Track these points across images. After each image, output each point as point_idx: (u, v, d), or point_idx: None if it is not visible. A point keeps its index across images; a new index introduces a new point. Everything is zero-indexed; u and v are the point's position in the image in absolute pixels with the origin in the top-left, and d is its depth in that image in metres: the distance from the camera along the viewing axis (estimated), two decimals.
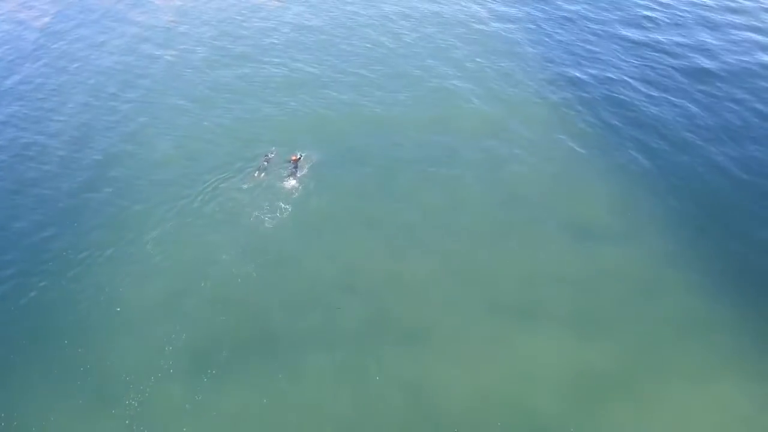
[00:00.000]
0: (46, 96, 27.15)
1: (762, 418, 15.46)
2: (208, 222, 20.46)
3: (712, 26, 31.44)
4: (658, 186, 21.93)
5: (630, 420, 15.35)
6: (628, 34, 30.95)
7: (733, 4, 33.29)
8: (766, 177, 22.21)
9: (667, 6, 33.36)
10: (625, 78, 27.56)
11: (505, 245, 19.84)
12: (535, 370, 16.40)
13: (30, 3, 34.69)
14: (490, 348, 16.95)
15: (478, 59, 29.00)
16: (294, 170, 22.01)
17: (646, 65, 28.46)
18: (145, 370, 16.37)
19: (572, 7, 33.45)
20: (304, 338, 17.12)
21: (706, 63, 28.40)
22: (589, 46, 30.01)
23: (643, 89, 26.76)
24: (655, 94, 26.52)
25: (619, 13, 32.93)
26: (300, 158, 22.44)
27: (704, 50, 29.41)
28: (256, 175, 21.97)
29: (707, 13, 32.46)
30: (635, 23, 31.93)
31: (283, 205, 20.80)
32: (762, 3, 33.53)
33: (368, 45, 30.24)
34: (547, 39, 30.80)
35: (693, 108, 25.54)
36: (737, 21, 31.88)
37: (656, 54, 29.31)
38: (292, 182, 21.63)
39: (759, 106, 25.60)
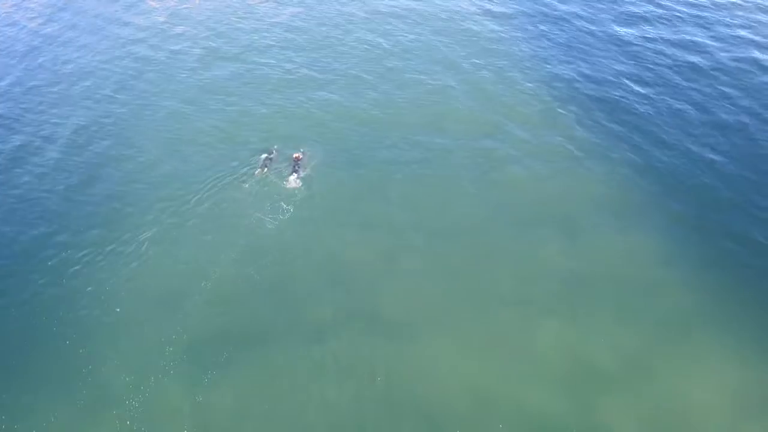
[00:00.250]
0: (42, 97, 27.08)
1: (759, 409, 15.77)
2: (208, 222, 20.47)
3: (706, 24, 31.71)
4: (654, 183, 22.12)
5: (627, 413, 15.53)
6: (623, 32, 31.14)
7: (725, 2, 33.61)
8: (757, 172, 22.51)
9: (660, 5, 33.65)
10: (621, 77, 27.70)
11: (500, 242, 19.99)
12: (531, 364, 16.59)
13: (24, 4, 34.55)
14: (486, 342, 17.11)
15: (473, 59, 29.08)
16: (296, 168, 22.01)
17: (640, 64, 28.62)
18: (146, 371, 16.38)
19: (567, 7, 33.65)
20: (305, 340, 17.15)
21: (699, 60, 28.59)
22: (583, 45, 30.18)
23: (637, 88, 26.91)
24: (649, 92, 26.70)
25: (613, 11, 33.17)
26: (302, 156, 22.43)
27: (697, 48, 29.66)
28: (258, 172, 21.98)
29: (701, 12, 32.76)
30: (630, 22, 32.12)
31: (284, 206, 20.78)
32: (757, 1, 33.89)
33: (364, 46, 30.28)
34: (542, 38, 30.92)
35: (687, 106, 25.76)
36: (731, 19, 32.18)
37: (651, 52, 29.53)
38: (293, 181, 21.63)
39: (754, 103, 25.91)
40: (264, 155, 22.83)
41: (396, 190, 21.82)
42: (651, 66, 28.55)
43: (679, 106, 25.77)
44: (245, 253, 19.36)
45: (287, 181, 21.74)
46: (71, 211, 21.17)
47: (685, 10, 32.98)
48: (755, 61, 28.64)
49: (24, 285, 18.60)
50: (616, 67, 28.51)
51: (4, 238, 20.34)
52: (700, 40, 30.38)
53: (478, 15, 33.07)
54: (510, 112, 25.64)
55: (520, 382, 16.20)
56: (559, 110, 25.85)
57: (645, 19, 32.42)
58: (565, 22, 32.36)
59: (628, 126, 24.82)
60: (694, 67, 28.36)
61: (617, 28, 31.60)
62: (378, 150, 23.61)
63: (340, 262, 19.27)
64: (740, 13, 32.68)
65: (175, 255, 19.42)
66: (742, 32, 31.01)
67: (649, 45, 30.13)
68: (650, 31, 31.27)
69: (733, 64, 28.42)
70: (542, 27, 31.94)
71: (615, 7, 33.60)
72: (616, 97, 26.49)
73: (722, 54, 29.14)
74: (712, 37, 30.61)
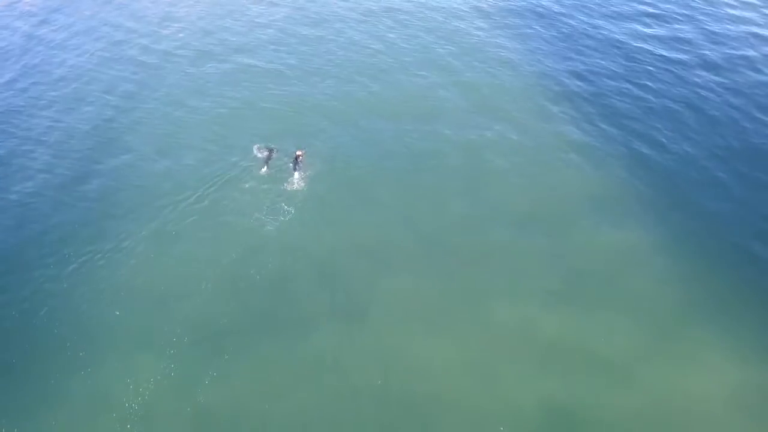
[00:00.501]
0: (40, 98, 26.81)
1: (749, 396, 15.98)
2: (208, 222, 20.33)
3: (696, 20, 32.21)
4: (648, 180, 22.35)
5: (626, 408, 15.69)
6: (616, 29, 31.43)
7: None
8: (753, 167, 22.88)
9: (653, 4, 34.04)
10: (615, 75, 28.00)
11: (495, 238, 20.19)
12: (529, 361, 16.74)
13: (17, 6, 34.22)
14: (482, 338, 17.26)
15: (467, 58, 29.17)
16: (298, 167, 21.95)
17: (633, 61, 28.86)
18: (146, 373, 16.20)
19: (558, 5, 33.96)
20: (306, 341, 17.06)
21: (697, 59, 28.95)
22: (576, 43, 30.41)
23: (630, 86, 27.17)
24: (645, 90, 26.96)
25: (611, 9, 33.52)
26: (303, 155, 22.36)
27: (690, 45, 30.06)
28: (263, 171, 21.91)
29: (692, 12, 33.26)
30: (623, 19, 32.42)
31: (285, 207, 20.68)
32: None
33: (358, 45, 30.25)
34: (535, 36, 31.07)
35: (681, 102, 26.08)
36: (734, 14, 32.74)
37: (644, 50, 29.84)
38: (295, 181, 21.54)
39: (747, 98, 26.32)
40: (266, 153, 22.74)
41: (396, 190, 21.80)
42: (644, 63, 28.82)
43: (672, 103, 26.05)
44: (245, 255, 19.23)
45: (289, 181, 21.67)
46: (70, 212, 20.92)
47: (675, 9, 33.37)
48: (746, 58, 29.03)
49: (23, 285, 18.36)
50: (609, 65, 28.72)
51: (3, 239, 20.07)
52: (692, 36, 30.75)
53: (476, 14, 33.18)
54: (504, 110, 25.74)
55: (518, 379, 16.27)
56: (552, 108, 25.99)
57: (639, 17, 32.74)
58: (558, 19, 32.60)
59: (622, 123, 25.01)
60: (689, 63, 28.70)
61: (611, 26, 31.88)
62: (378, 150, 23.59)
63: (341, 265, 19.18)
64: (730, 10, 33.18)
65: (175, 255, 19.27)
66: (732, 27, 31.53)
67: (642, 43, 30.40)
68: (645, 29, 31.56)
69: (725, 60, 28.79)
70: (535, 25, 32.08)
71: (607, 4, 33.94)
72: (610, 95, 26.70)
73: (716, 50, 29.51)
74: (706, 33, 31.01)
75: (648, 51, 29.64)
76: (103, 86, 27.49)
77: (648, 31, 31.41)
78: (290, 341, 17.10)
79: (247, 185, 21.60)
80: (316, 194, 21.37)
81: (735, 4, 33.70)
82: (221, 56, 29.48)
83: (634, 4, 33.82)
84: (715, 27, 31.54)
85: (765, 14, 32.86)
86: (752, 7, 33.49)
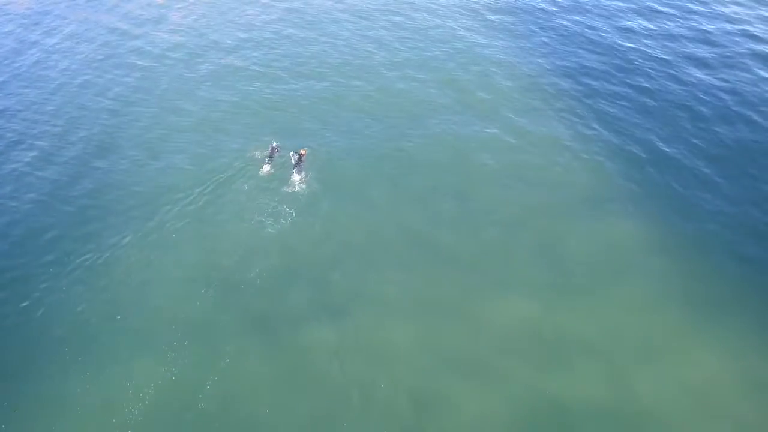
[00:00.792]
0: (40, 98, 26.54)
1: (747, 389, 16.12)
2: (208, 225, 20.14)
3: (700, 19, 32.56)
4: (642, 174, 22.59)
5: (619, 393, 15.88)
6: (610, 27, 31.69)
7: None
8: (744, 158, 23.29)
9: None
10: (613, 77, 28.20)
11: (488, 238, 20.23)
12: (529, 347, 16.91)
13: (7, 8, 33.87)
14: (486, 327, 17.42)
15: (460, 59, 29.34)
16: (299, 167, 21.80)
17: (632, 63, 29.11)
18: (147, 378, 15.92)
19: (560, 3, 34.31)
20: (308, 347, 16.85)
21: (691, 58, 29.29)
22: (573, 43, 30.68)
23: (628, 89, 27.36)
24: (641, 87, 27.30)
25: (605, 8, 33.86)
26: (305, 154, 22.23)
27: (692, 44, 30.43)
28: (266, 171, 21.78)
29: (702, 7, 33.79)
30: (617, 17, 32.71)
31: (287, 209, 20.52)
32: None
33: (355, 45, 30.40)
34: (530, 35, 31.35)
35: (677, 99, 26.38)
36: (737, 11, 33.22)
37: (642, 46, 30.18)
38: (296, 183, 21.39)
39: (741, 94, 26.66)
40: (268, 150, 22.59)
41: (395, 191, 21.81)
42: (638, 63, 29.10)
43: (666, 103, 26.33)
44: (246, 258, 19.03)
45: (290, 182, 21.53)
46: (69, 216, 20.66)
47: (673, 8, 33.80)
48: (741, 56, 29.35)
49: (24, 290, 18.02)
50: (602, 66, 28.99)
51: (3, 243, 19.73)
52: (690, 35, 31.12)
53: (471, 14, 33.33)
54: (497, 110, 25.88)
55: (508, 374, 16.31)
56: (547, 108, 26.24)
57: (633, 17, 33.01)
58: (551, 20, 32.86)
59: (617, 124, 25.26)
60: (683, 62, 29.01)
61: (605, 26, 32.14)
62: (378, 149, 23.58)
63: (343, 268, 19.00)
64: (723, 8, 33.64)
65: (175, 259, 19.05)
66: (728, 26, 31.91)
67: (637, 43, 30.73)
68: (640, 29, 31.89)
69: (722, 59, 29.10)
70: (530, 25, 32.36)
71: (602, 4, 34.31)
72: (604, 95, 26.96)
73: (711, 50, 29.82)
74: (702, 32, 31.37)
75: (642, 51, 29.93)
76: (97, 89, 27.31)
77: (643, 31, 31.75)
78: (292, 345, 16.90)
79: (246, 186, 21.45)
80: (316, 196, 21.21)
81: (731, 2, 34.15)
82: (216, 58, 29.39)
83: (630, 4, 34.14)
84: (712, 26, 31.91)
85: (762, 13, 33.25)
86: (749, 6, 33.88)
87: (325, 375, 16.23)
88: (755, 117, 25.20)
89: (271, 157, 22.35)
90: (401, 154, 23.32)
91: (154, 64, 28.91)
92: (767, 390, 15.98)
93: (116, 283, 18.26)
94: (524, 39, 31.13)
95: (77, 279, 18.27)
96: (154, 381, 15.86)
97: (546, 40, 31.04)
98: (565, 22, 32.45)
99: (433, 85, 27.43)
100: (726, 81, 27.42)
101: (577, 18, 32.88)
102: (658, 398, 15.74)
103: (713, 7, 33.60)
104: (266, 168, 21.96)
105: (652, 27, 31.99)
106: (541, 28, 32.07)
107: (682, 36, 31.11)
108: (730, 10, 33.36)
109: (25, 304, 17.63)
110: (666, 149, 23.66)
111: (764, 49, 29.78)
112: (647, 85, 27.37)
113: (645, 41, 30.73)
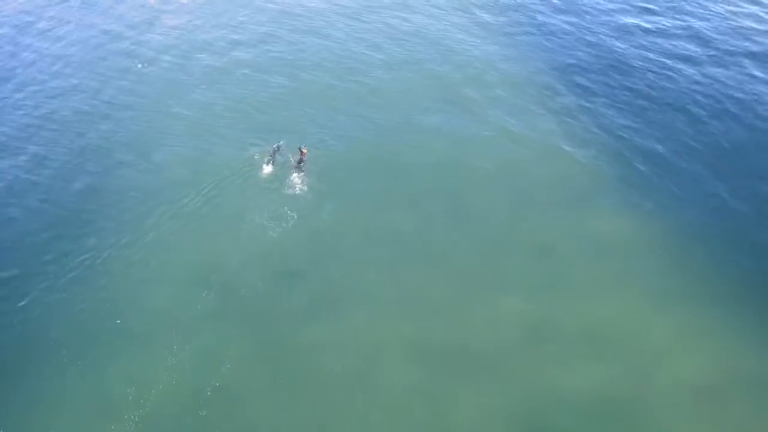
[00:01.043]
0: (40, 101, 26.26)
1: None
2: (209, 227, 19.91)
3: (697, 19, 32.75)
4: (642, 178, 22.61)
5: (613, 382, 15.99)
6: (604, 25, 31.99)
7: None
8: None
9: None
10: (607, 69, 28.52)
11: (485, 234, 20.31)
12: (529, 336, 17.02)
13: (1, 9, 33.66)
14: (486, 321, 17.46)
15: (456, 58, 29.37)
16: (300, 167, 21.66)
17: (630, 61, 29.23)
18: (147, 383, 15.67)
19: (555, 4, 34.39)
20: (310, 350, 16.71)
21: (689, 56, 29.41)
22: (569, 41, 30.82)
23: (626, 87, 27.46)
24: (638, 91, 27.30)
25: (602, 7, 34.00)
26: (306, 152, 22.08)
27: (690, 43, 30.58)
28: (267, 171, 21.63)
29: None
30: (620, 16, 32.87)
31: (289, 212, 20.31)
32: None
33: (355, 38, 30.47)
34: (529, 34, 31.48)
35: (676, 101, 26.42)
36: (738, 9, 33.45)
37: (641, 43, 30.33)
38: (297, 184, 21.24)
39: (736, 92, 26.87)
40: (268, 153, 22.43)
41: (395, 191, 21.74)
42: (637, 60, 29.20)
43: (664, 101, 26.42)
44: (248, 262, 18.81)
45: (292, 182, 21.40)
46: (67, 217, 20.33)
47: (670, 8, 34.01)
48: (739, 55, 29.53)
49: (22, 292, 17.72)
50: (599, 63, 29.07)
51: (2, 244, 19.48)
52: (687, 34, 31.28)
53: (467, 15, 33.36)
54: (493, 109, 25.85)
55: (506, 369, 16.37)
56: (543, 107, 26.14)
57: (632, 14, 33.22)
58: (549, 17, 32.94)
59: (614, 123, 25.25)
60: (686, 58, 29.16)
61: (602, 24, 32.29)
62: (385, 154, 23.46)
63: (343, 268, 18.91)
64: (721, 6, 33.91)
65: (175, 262, 18.79)
66: (724, 25, 32.11)
67: (635, 40, 30.82)
68: (637, 27, 31.99)
69: (718, 59, 29.30)
70: (525, 24, 32.42)
71: (599, 4, 34.42)
72: (600, 93, 26.99)
73: (709, 48, 30.04)
74: (700, 31, 31.55)
75: (638, 51, 29.99)
76: (91, 92, 26.93)
77: (641, 28, 31.84)
78: (294, 348, 16.74)
79: (246, 188, 21.26)
80: (318, 197, 21.07)
81: (727, 2, 34.37)
82: (210, 60, 29.12)
83: (625, 5, 34.24)
84: (709, 25, 32.10)
85: (761, 13, 33.49)
86: (745, 6, 34.09)
87: (327, 377, 16.06)
88: (751, 115, 25.32)
89: (272, 157, 22.20)
90: (397, 156, 23.23)
91: (149, 67, 28.66)
92: (767, 390, 16.00)
93: (115, 285, 18.00)
94: (519, 40, 31.13)
95: (76, 282, 17.98)
96: (155, 386, 15.59)
97: (541, 40, 31.06)
98: (560, 23, 32.47)
99: (430, 85, 27.38)
100: (722, 80, 27.52)
101: (573, 19, 32.92)
102: (658, 396, 15.71)
103: (710, 8, 33.74)
104: (267, 169, 21.81)
105: (648, 27, 32.10)
106: (536, 29, 32.09)
107: (676, 35, 31.27)
108: (726, 9, 33.55)
109: (22, 303, 17.37)
110: (662, 149, 23.72)
111: (761, 49, 29.97)
112: (643, 85, 27.43)
113: (641, 41, 30.82)
